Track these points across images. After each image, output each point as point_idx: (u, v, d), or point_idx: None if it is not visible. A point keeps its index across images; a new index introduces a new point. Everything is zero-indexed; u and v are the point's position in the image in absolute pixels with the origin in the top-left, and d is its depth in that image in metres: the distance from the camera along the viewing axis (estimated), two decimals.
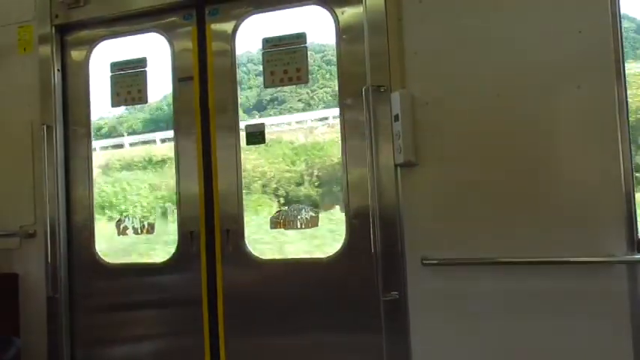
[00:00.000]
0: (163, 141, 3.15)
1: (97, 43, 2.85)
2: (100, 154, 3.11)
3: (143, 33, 2.78)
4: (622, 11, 2.00)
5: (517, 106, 2.09)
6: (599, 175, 1.99)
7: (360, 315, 2.33)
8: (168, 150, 2.89)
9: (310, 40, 2.53)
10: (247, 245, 2.54)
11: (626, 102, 1.97)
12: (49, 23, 2.81)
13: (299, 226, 2.53)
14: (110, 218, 2.94)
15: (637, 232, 1.97)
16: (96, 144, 2.97)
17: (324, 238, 2.53)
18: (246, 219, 2.55)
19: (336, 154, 2.54)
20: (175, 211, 2.67)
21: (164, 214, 2.90)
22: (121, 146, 3.32)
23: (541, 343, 2.04)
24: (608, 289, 1.97)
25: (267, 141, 2.58)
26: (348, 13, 2.41)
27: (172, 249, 2.66)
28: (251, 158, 2.67)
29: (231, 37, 2.60)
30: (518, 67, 2.10)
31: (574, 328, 2.00)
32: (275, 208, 2.61)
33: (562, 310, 2.02)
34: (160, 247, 2.80)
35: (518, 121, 2.09)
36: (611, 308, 1.96)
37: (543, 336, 2.03)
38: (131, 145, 3.32)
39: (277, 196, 2.68)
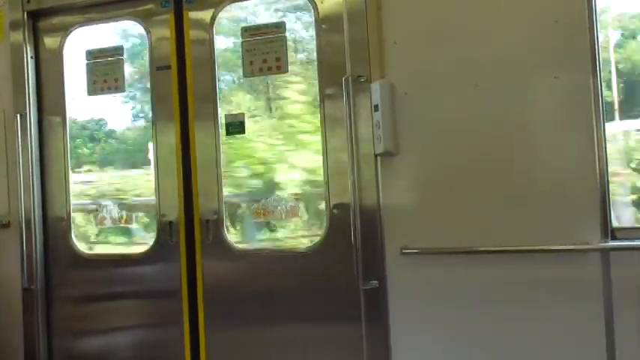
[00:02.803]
0: None
1: (72, 30, 2.78)
2: None
3: (119, 20, 2.73)
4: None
5: (495, 96, 2.11)
6: (575, 164, 2.02)
7: (339, 305, 2.34)
8: None
9: None
10: (227, 236, 2.53)
11: (601, 92, 2.00)
12: (20, 9, 2.74)
13: (279, 217, 2.53)
14: None
15: (611, 221, 2.01)
16: None
17: None
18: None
19: None
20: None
21: None
22: None
23: (518, 330, 2.07)
24: (583, 276, 2.00)
25: None
26: (328, 2, 2.39)
27: None
28: None
29: (209, 26, 2.56)
30: (496, 57, 2.10)
31: (550, 315, 2.03)
32: None
33: (539, 297, 2.05)
34: None
35: (496, 111, 2.11)
36: (585, 295, 2.00)
37: (520, 323, 2.06)
38: None
39: None
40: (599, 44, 2.01)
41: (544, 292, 2.04)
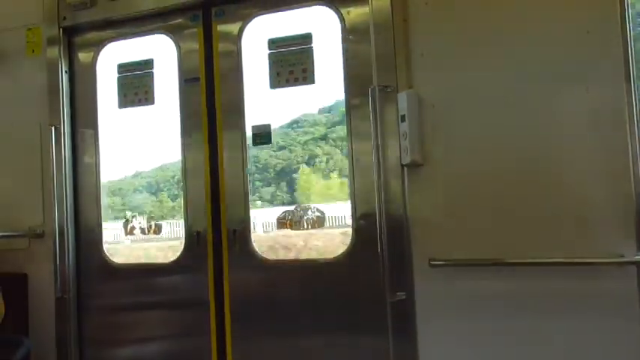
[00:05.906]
0: None
1: (104, 45, 2.86)
2: None
3: (150, 34, 2.79)
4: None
5: (524, 107, 2.08)
6: (609, 176, 1.97)
7: (366, 316, 2.33)
8: None
9: None
10: (254, 246, 2.55)
11: (635, 103, 1.95)
12: (56, 25, 2.83)
13: (305, 227, 2.53)
14: None
15: None
16: None
17: None
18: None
19: None
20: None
21: None
22: None
23: (550, 345, 2.02)
24: (618, 290, 1.95)
25: None
26: (354, 13, 2.41)
27: None
28: None
29: (237, 38, 2.60)
30: (525, 68, 2.08)
31: (583, 330, 1.98)
32: None
33: (571, 311, 2.00)
34: None
35: (525, 123, 2.08)
36: (620, 309, 1.94)
37: (552, 337, 2.02)
38: None
39: None
40: (633, 55, 1.96)
41: (578, 306, 1.99)
